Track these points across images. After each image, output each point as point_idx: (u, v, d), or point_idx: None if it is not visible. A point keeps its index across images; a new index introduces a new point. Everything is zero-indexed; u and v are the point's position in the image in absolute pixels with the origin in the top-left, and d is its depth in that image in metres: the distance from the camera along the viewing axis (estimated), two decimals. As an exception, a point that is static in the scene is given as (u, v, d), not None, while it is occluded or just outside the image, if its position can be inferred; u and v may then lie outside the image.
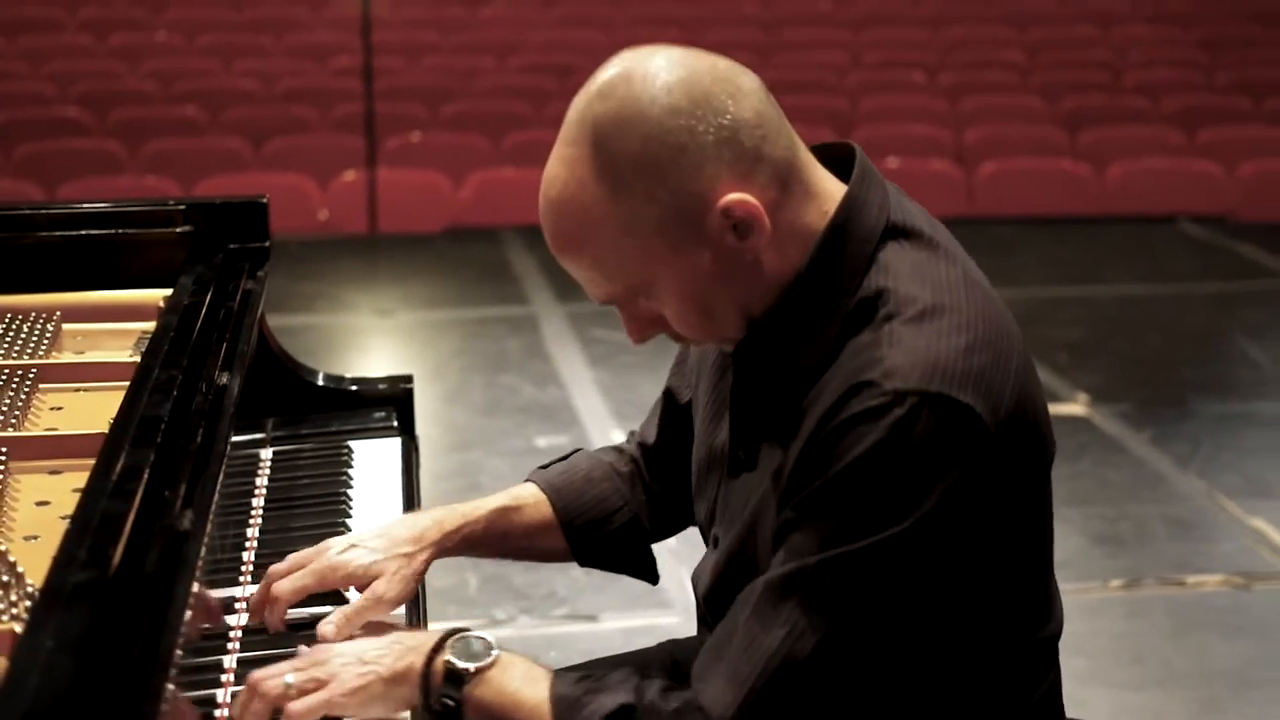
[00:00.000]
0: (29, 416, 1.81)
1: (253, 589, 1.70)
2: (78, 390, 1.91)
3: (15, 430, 1.75)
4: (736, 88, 1.41)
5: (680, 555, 2.01)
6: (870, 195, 1.48)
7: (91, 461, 1.48)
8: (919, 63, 9.83)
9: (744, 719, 1.39)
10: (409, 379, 2.33)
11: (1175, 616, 3.81)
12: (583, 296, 1.53)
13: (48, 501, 1.61)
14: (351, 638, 1.59)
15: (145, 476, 1.43)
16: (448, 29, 10.16)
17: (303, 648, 1.52)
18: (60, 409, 1.86)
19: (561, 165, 1.43)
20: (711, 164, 1.39)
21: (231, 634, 1.65)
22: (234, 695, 1.48)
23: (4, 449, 1.67)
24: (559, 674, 1.48)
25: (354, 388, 2.32)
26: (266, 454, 2.12)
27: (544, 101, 8.77)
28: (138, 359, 1.82)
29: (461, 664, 1.45)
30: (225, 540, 1.76)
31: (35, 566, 1.36)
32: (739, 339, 1.51)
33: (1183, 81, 9.70)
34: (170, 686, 1.23)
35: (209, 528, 1.50)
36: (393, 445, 2.22)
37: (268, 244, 2.24)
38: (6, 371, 1.88)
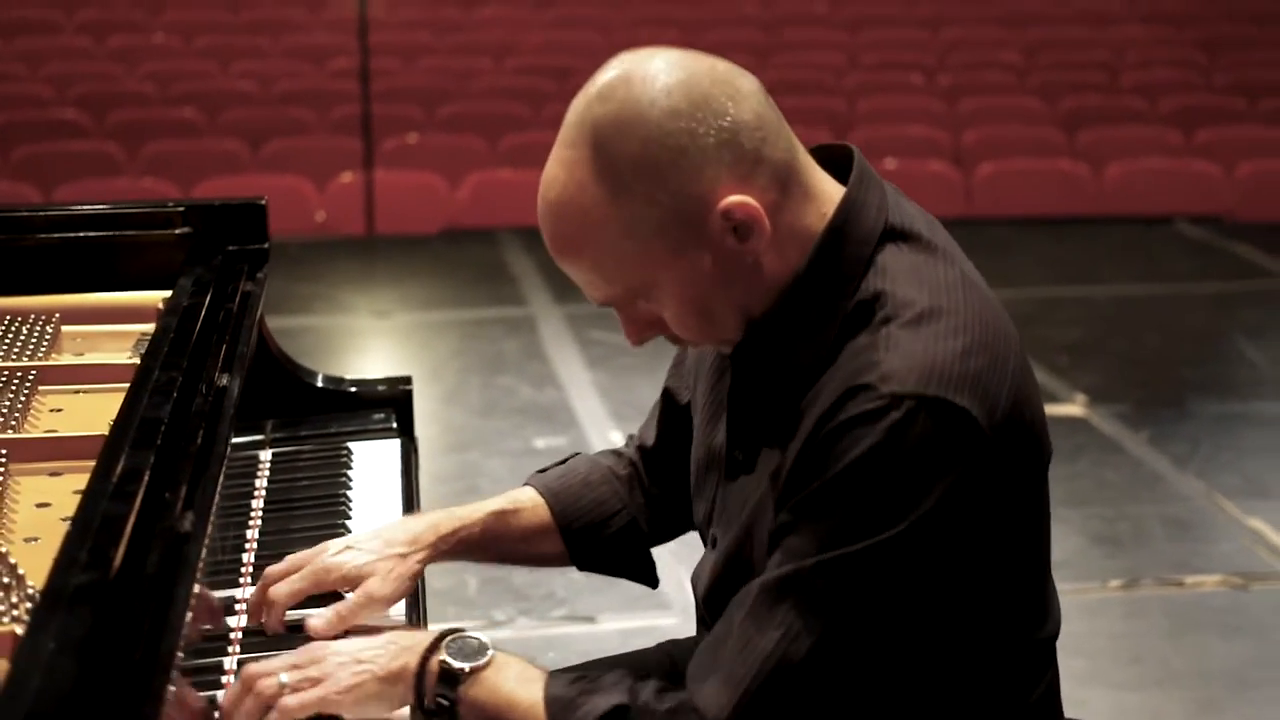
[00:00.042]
0: (29, 418, 1.82)
1: (253, 590, 1.71)
2: (77, 392, 1.91)
3: (15, 432, 1.75)
4: (736, 90, 1.42)
5: (679, 556, 2.01)
6: (868, 197, 1.48)
7: (91, 463, 1.48)
8: (917, 64, 9.84)
9: (739, 720, 1.39)
10: (408, 380, 2.33)
11: (1173, 617, 3.82)
12: (581, 298, 1.53)
13: (48, 503, 1.61)
14: (347, 635, 1.60)
15: (146, 478, 1.43)
16: (444, 30, 10.16)
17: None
18: (60, 411, 1.86)
19: (561, 167, 1.43)
20: (712, 166, 1.39)
21: (232, 635, 1.65)
22: (234, 696, 1.48)
23: (4, 451, 1.68)
24: (554, 675, 1.48)
25: (353, 389, 2.32)
26: (266, 455, 2.12)
27: (541, 103, 8.77)
28: (137, 361, 1.82)
29: (457, 664, 1.45)
30: (225, 542, 1.76)
31: (36, 568, 1.36)
32: (738, 341, 1.51)
33: (1180, 82, 9.71)
34: (172, 688, 1.23)
35: (209, 529, 1.50)
36: (392, 447, 2.22)
37: (267, 245, 2.24)
38: (6, 373, 1.88)
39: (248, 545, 1.86)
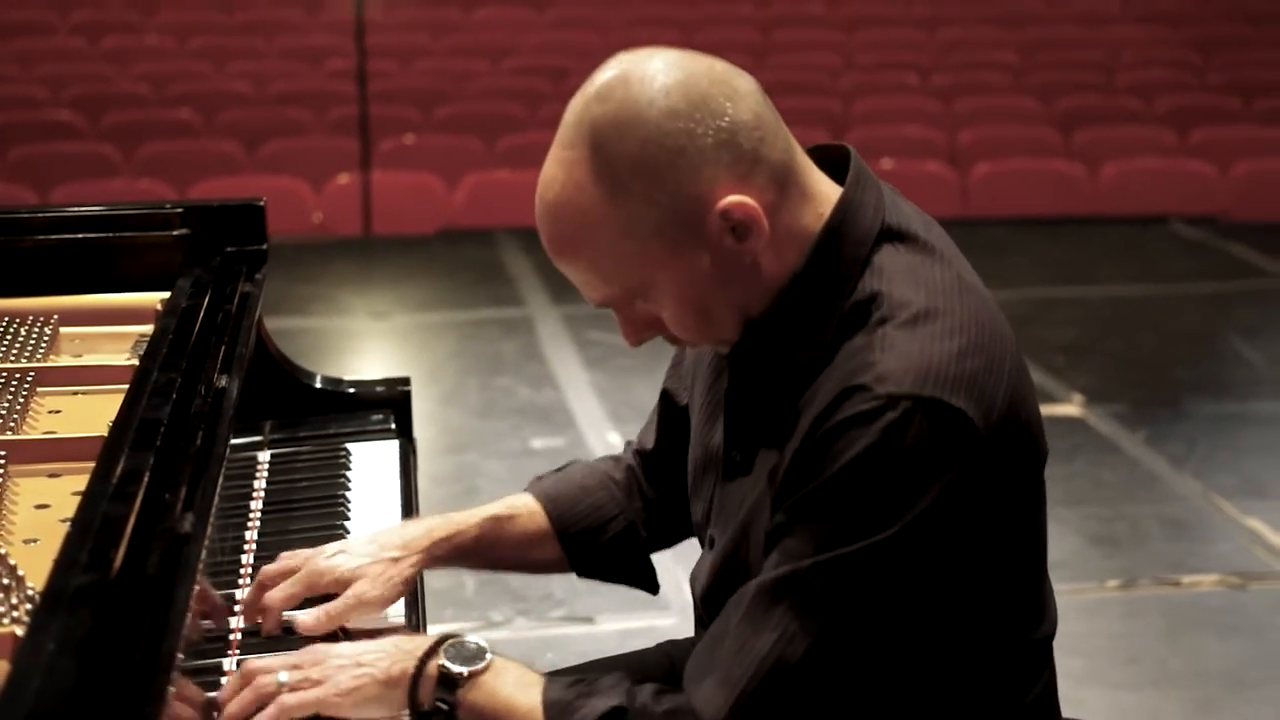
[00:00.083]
0: (27, 420, 1.82)
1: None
2: (76, 393, 1.91)
3: (14, 433, 1.75)
4: (734, 90, 1.42)
5: (678, 556, 2.01)
6: (865, 198, 1.49)
7: (91, 465, 1.48)
8: (913, 64, 9.85)
9: (735, 722, 1.39)
10: (406, 381, 2.33)
11: (1171, 616, 3.82)
12: (578, 298, 1.54)
13: (47, 504, 1.61)
14: (349, 637, 1.60)
15: (145, 479, 1.43)
16: (441, 31, 10.15)
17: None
18: (59, 412, 1.86)
19: (559, 167, 1.43)
20: (710, 166, 1.39)
21: (231, 636, 1.65)
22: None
23: (3, 452, 1.68)
24: (552, 678, 1.48)
25: (351, 390, 2.32)
26: (264, 456, 2.12)
27: (538, 104, 8.77)
28: (136, 362, 1.82)
29: (455, 668, 1.46)
30: (224, 542, 1.76)
31: (35, 570, 1.36)
32: (736, 341, 1.51)
33: (1175, 82, 9.72)
34: (172, 688, 1.24)
35: (209, 530, 1.50)
36: (390, 448, 2.23)
37: (265, 247, 2.25)
38: (4, 375, 1.88)
39: (247, 546, 1.86)
